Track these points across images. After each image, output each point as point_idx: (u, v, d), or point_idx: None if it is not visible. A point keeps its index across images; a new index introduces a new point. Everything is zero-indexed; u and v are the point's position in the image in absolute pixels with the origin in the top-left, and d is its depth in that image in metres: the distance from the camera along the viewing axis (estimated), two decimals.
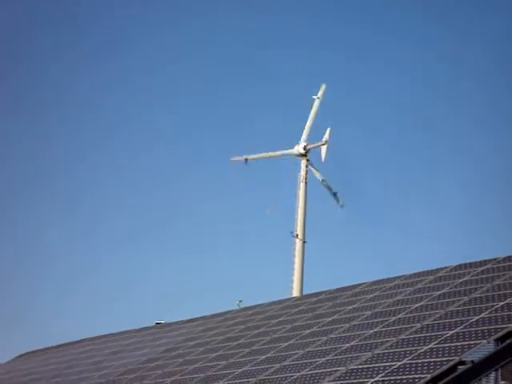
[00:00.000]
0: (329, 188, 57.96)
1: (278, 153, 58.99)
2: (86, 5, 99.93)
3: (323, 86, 59.71)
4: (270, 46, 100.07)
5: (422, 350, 21.62)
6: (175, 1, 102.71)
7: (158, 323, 44.25)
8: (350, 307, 29.68)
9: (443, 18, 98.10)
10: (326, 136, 57.38)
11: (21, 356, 50.92)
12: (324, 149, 57.30)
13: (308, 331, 28.55)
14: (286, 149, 58.82)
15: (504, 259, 27.67)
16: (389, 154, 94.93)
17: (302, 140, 58.62)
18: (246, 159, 58.26)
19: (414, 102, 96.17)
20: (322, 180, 57.79)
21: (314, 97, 59.66)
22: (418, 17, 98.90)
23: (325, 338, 26.68)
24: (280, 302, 36.01)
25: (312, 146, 58.29)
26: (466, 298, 24.91)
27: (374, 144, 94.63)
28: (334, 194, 57.70)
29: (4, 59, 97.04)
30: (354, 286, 32.70)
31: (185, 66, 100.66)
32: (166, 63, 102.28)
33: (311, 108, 59.42)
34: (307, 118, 59.38)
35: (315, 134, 59.20)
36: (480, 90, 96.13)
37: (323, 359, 24.42)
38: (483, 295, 24.56)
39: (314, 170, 57.95)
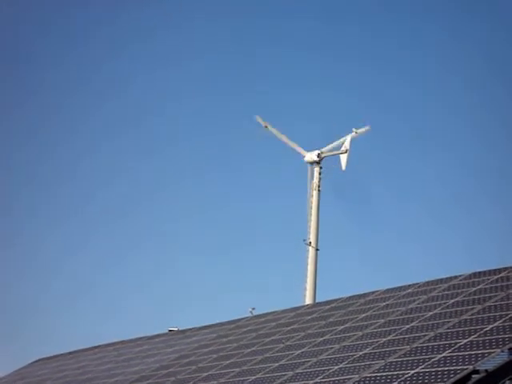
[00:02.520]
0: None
1: (293, 144, 59.26)
2: (85, 10, 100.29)
3: (258, 118, 60.65)
4: (274, 49, 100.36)
5: (436, 359, 21.51)
6: (176, 3, 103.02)
7: (170, 330, 44.21)
8: (363, 315, 29.58)
9: (446, 22, 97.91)
10: (347, 145, 57.26)
11: (34, 362, 50.99)
12: (344, 157, 57.21)
13: (321, 339, 28.46)
14: (302, 149, 58.99)
15: None
16: (402, 161, 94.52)
17: (303, 153, 58.74)
18: (266, 126, 60.10)
19: (425, 110, 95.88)
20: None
21: (263, 129, 60.38)
22: (420, 22, 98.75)
23: (338, 346, 26.59)
24: (293, 309, 35.92)
25: (329, 154, 58.14)
26: (480, 307, 24.77)
27: (386, 152, 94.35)
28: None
29: (4, 62, 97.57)
30: (367, 294, 32.59)
31: (185, 68, 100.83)
32: (164, 66, 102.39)
33: (274, 135, 60.18)
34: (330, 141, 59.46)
35: (325, 142, 59.14)
36: (480, 95, 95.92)
37: (336, 367, 24.34)
38: (497, 304, 24.42)
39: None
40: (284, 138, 59.86)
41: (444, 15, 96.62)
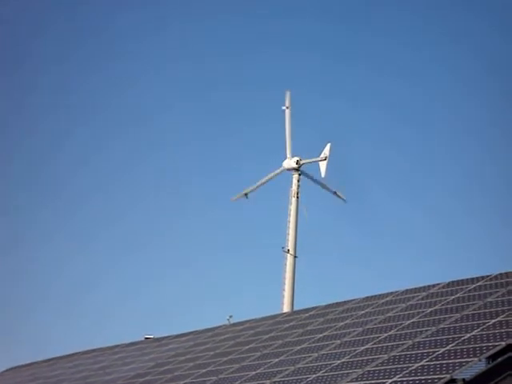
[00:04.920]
0: (328, 189, 57.81)
1: (272, 174, 58.60)
2: (86, 10, 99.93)
3: (288, 94, 59.49)
4: (263, 51, 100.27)
5: (414, 368, 21.42)
6: (173, 5, 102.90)
7: (147, 338, 43.90)
8: (342, 323, 29.45)
9: (443, 22, 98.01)
10: (326, 152, 57.06)
11: (8, 370, 50.47)
12: (324, 164, 56.96)
13: (299, 347, 28.31)
14: (278, 167, 58.57)
15: (496, 276, 27.53)
16: (402, 162, 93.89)
17: (288, 155, 58.41)
18: (246, 194, 58.53)
19: (425, 110, 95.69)
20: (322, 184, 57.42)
21: (283, 107, 59.48)
22: (418, 22, 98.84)
23: (316, 355, 26.45)
24: (271, 317, 35.76)
25: (308, 160, 57.96)
26: (457, 315, 24.73)
27: (385, 152, 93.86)
28: (335, 193, 57.76)
29: (5, 60, 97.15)
30: (345, 302, 32.49)
31: (182, 70, 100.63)
32: (162, 67, 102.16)
33: (285, 120, 59.23)
34: (284, 131, 59.13)
35: (309, 149, 58.97)
36: (479, 96, 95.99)
37: (314, 376, 24.18)
38: (475, 312, 24.39)
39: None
40: (287, 128, 58.95)
41: (444, 15, 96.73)
